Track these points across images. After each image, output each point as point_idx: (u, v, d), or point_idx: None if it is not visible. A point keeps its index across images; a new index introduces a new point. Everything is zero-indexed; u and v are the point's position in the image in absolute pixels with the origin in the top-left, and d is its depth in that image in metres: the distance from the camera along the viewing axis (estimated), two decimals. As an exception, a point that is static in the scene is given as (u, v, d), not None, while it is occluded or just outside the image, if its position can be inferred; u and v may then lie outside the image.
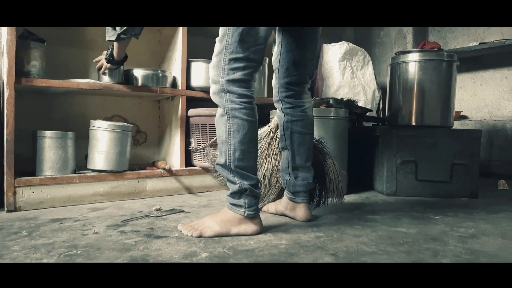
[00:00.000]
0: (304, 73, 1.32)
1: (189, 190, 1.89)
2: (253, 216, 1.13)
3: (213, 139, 1.83)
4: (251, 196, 1.12)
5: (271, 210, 1.43)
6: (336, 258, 0.95)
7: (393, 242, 1.11)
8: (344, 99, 2.01)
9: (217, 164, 1.15)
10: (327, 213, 1.46)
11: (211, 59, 1.93)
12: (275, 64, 1.34)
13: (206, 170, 1.92)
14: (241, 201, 1.11)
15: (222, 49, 1.09)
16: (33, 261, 0.89)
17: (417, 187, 1.87)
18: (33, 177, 1.46)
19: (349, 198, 1.80)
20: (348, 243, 1.09)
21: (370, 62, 2.61)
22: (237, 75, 1.08)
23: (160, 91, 1.81)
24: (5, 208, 1.41)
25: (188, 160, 1.95)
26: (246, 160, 1.10)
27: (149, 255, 0.95)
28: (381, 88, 2.69)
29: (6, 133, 1.40)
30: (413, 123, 1.96)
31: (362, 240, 1.12)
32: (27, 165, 1.53)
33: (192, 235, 1.10)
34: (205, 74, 1.93)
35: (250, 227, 1.13)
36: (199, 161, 1.93)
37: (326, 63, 2.50)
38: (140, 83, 1.80)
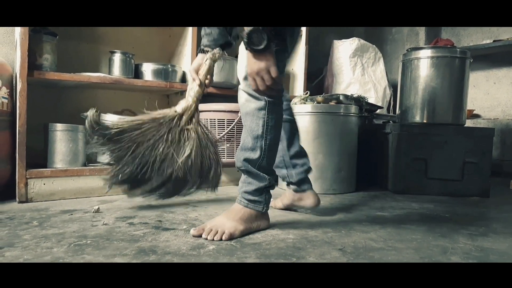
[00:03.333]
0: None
1: (198, 185, 1.89)
2: (267, 210, 1.14)
3: (221, 134, 1.84)
4: (270, 192, 1.13)
5: (278, 205, 1.42)
6: (344, 253, 0.95)
7: (401, 238, 1.10)
8: (354, 96, 1.99)
9: (245, 160, 1.09)
10: (335, 210, 1.46)
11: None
12: None
13: (214, 165, 1.92)
14: (262, 197, 1.10)
15: None
16: (44, 250, 0.90)
17: (427, 185, 1.85)
18: (44, 169, 1.48)
19: (358, 195, 1.79)
20: (356, 238, 1.08)
21: (382, 59, 2.58)
22: (282, 69, 1.07)
23: (170, 85, 1.81)
24: (17, 199, 1.43)
25: (196, 155, 1.96)
26: (274, 157, 1.13)
27: (157, 246, 0.95)
28: (392, 85, 2.67)
29: (19, 125, 1.42)
30: (424, 121, 1.94)
31: (370, 236, 1.11)
32: (39, 157, 1.55)
33: (221, 239, 1.01)
34: (215, 69, 1.92)
35: (263, 222, 1.13)
36: (207, 156, 1.94)
37: (336, 60, 2.48)
38: (149, 78, 1.81)
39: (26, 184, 1.43)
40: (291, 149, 1.33)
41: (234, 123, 1.82)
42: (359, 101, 1.99)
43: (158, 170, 1.22)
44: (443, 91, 1.91)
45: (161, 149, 1.21)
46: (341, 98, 1.92)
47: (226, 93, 1.98)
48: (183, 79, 1.94)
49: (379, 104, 2.49)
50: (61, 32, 1.71)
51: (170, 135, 1.22)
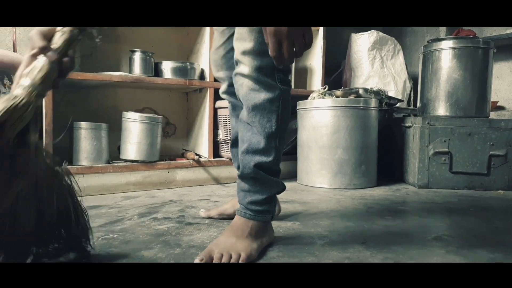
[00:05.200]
0: None
1: (217, 181, 1.91)
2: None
3: (240, 130, 1.85)
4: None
5: (219, 215, 1.18)
6: (367, 247, 0.94)
7: (425, 232, 1.08)
8: (374, 89, 1.97)
9: (256, 165, 0.86)
10: (356, 204, 1.44)
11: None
12: (226, 32, 1.04)
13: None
14: (271, 206, 0.92)
15: None
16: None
17: (451, 179, 1.81)
18: (70, 167, 1.52)
19: (379, 190, 1.77)
20: (379, 232, 1.07)
21: (401, 51, 2.54)
22: None
23: (189, 83, 1.83)
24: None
25: (216, 151, 1.98)
26: (280, 157, 0.92)
27: (182, 240, 0.97)
28: (412, 78, 2.61)
29: (45, 124, 1.47)
30: (447, 113, 1.89)
31: (393, 230, 1.10)
32: (64, 155, 1.60)
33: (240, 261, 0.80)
34: (233, 66, 1.94)
35: (271, 232, 0.95)
36: (226, 152, 1.95)
37: (354, 53, 2.45)
38: (169, 76, 1.83)
39: (53, 181, 1.48)
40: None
41: (252, 119, 1.83)
42: (379, 94, 1.96)
43: None
44: (466, 82, 1.87)
45: None
46: (360, 91, 1.90)
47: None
48: (202, 77, 1.96)
49: (399, 97, 2.45)
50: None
51: None
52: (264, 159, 0.86)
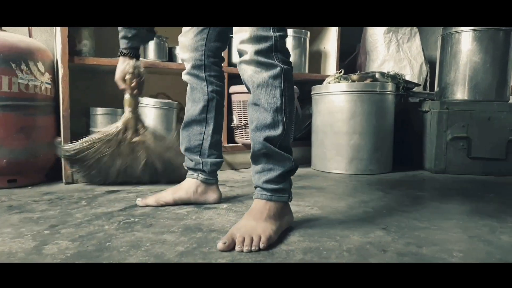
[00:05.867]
0: (226, 44, 1.20)
1: (232, 166, 1.92)
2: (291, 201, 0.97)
3: (255, 116, 1.83)
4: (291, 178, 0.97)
5: (156, 202, 1.16)
6: (388, 232, 0.94)
7: (446, 217, 1.07)
8: (391, 73, 1.93)
9: (266, 139, 0.89)
10: (374, 190, 1.44)
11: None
12: None
13: (247, 147, 1.94)
14: (286, 184, 0.93)
15: None
16: (96, 227, 0.94)
17: (469, 165, 1.79)
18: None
19: (395, 175, 1.76)
20: (398, 217, 1.06)
21: (418, 34, 2.47)
22: (287, 31, 0.93)
23: (203, 68, 1.82)
24: (64, 181, 1.50)
25: (230, 137, 1.98)
26: (291, 135, 0.95)
27: (202, 224, 0.98)
28: (429, 62, 2.56)
29: (62, 110, 1.48)
30: (466, 98, 1.85)
31: (413, 215, 1.09)
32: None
33: (260, 248, 0.81)
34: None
35: (290, 215, 0.97)
36: (240, 138, 1.95)
37: (369, 36, 2.40)
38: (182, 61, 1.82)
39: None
40: (214, 135, 1.17)
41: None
42: (396, 78, 1.92)
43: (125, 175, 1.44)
44: (486, 66, 1.82)
45: (117, 162, 1.39)
46: (377, 76, 1.87)
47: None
48: (215, 61, 1.94)
49: (415, 81, 2.40)
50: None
51: (121, 148, 1.36)
52: (272, 133, 0.89)
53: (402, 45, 2.42)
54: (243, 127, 1.91)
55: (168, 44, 1.84)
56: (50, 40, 1.81)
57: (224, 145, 1.90)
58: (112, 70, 1.84)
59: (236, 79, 2.00)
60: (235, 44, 0.90)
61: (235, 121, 1.97)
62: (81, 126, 1.64)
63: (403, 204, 1.22)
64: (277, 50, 0.89)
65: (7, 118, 1.37)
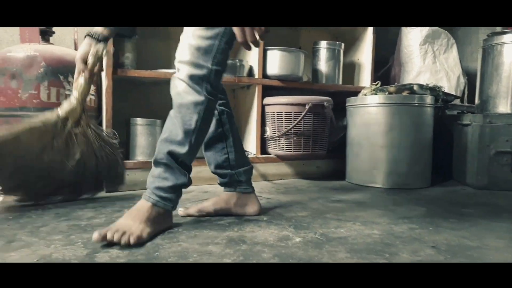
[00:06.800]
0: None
1: (265, 178, 1.91)
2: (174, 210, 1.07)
3: (289, 127, 1.83)
4: (182, 191, 1.07)
5: (198, 212, 1.17)
6: (438, 251, 0.90)
7: (497, 236, 1.02)
8: (430, 85, 1.89)
9: (169, 152, 0.99)
10: (414, 205, 1.39)
11: (286, 47, 1.90)
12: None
13: (280, 158, 1.93)
14: (174, 196, 1.02)
15: (219, 33, 0.97)
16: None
17: (513, 181, 1.71)
18: (128, 161, 1.58)
19: (435, 190, 1.70)
20: (447, 236, 1.02)
21: (455, 46, 2.41)
22: (224, 68, 1.01)
23: (238, 80, 1.84)
24: (104, 189, 1.54)
25: (263, 148, 1.98)
26: (195, 155, 1.05)
27: (245, 236, 0.98)
28: (466, 73, 2.48)
29: (105, 120, 1.53)
30: (509, 111, 1.78)
31: (462, 233, 1.05)
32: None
33: (129, 242, 0.88)
34: (280, 62, 1.92)
35: (169, 221, 1.04)
36: (273, 149, 1.95)
37: (404, 48, 2.36)
38: (219, 72, 1.85)
39: (113, 175, 1.54)
40: (237, 145, 1.18)
41: (301, 116, 1.80)
42: (435, 91, 1.88)
43: (48, 177, 1.19)
44: (531, 78, 1.74)
45: (46, 158, 1.16)
46: (415, 88, 1.83)
47: (291, 85, 1.97)
48: (250, 73, 1.96)
49: (453, 93, 2.34)
50: (139, 32, 1.80)
51: (55, 142, 1.16)
52: (178, 149, 0.99)
53: (439, 56, 2.36)
54: (277, 138, 1.91)
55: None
56: (93, 53, 1.89)
57: (257, 156, 1.90)
58: (153, 82, 1.90)
59: (269, 90, 2.02)
60: (175, 62, 1.02)
61: (268, 132, 1.97)
62: (121, 136, 1.68)
63: (449, 221, 1.18)
64: (209, 81, 0.99)
65: (55, 128, 1.43)
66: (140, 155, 1.63)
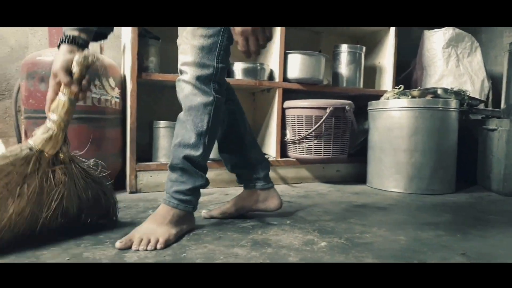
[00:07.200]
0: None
1: (284, 181, 1.91)
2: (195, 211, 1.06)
3: (309, 131, 1.83)
4: (200, 191, 1.06)
5: (222, 214, 1.18)
6: (468, 259, 0.88)
7: (530, 246, 0.99)
8: (454, 89, 1.85)
9: (185, 157, 0.98)
10: (440, 211, 1.37)
11: (307, 50, 1.89)
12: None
13: (300, 162, 1.93)
14: (194, 197, 1.02)
15: (221, 29, 0.96)
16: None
17: (543, 188, 1.65)
18: (151, 163, 1.60)
19: (460, 196, 1.66)
20: (476, 243, 1.00)
21: (479, 49, 2.36)
22: (227, 64, 1.01)
23: (259, 83, 1.85)
24: (128, 190, 1.57)
25: (283, 151, 1.98)
26: (210, 154, 1.04)
27: (270, 239, 0.98)
28: (490, 77, 2.43)
29: (130, 123, 1.56)
30: (538, 116, 1.73)
31: (492, 242, 1.02)
32: (143, 152, 1.69)
33: (156, 248, 0.89)
34: (301, 65, 1.92)
35: (191, 223, 1.05)
36: (293, 153, 1.95)
37: (427, 51, 2.33)
38: (240, 76, 1.86)
39: (136, 177, 1.56)
40: (251, 143, 1.18)
41: (322, 119, 1.80)
42: (460, 95, 1.84)
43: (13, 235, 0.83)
44: (561, 82, 1.69)
45: (12, 211, 0.80)
46: (439, 91, 1.80)
47: (312, 89, 1.96)
48: (271, 77, 1.96)
49: (477, 97, 2.28)
50: (162, 36, 1.83)
51: (25, 187, 0.81)
52: (193, 152, 0.98)
53: (462, 60, 2.32)
54: (297, 141, 1.90)
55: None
56: (117, 57, 1.93)
57: (277, 159, 1.90)
58: (173, 85, 1.92)
59: (290, 93, 2.02)
60: (179, 64, 1.00)
61: (289, 136, 1.97)
62: (144, 138, 1.71)
63: (477, 228, 1.15)
64: (216, 80, 0.98)
65: (81, 130, 1.47)
66: (162, 157, 1.65)
